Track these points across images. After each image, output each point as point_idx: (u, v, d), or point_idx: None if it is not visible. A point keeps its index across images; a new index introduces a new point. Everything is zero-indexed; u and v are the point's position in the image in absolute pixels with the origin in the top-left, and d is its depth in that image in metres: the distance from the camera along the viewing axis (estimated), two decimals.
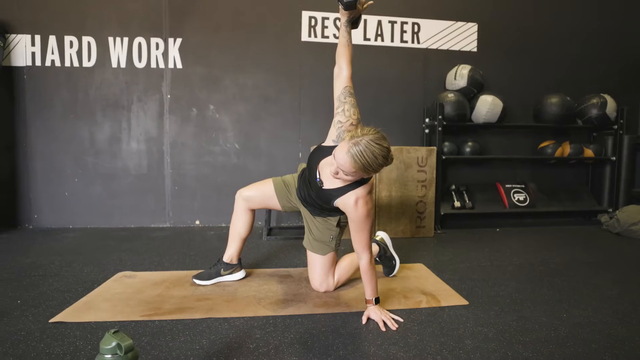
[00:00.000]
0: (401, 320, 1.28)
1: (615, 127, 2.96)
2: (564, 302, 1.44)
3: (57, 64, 2.63)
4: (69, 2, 2.60)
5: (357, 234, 1.29)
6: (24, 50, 2.59)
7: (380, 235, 1.78)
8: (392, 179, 2.49)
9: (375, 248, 1.68)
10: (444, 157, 2.76)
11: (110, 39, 2.65)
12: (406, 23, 2.94)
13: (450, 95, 2.76)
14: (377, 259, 1.70)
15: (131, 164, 2.75)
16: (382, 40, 2.92)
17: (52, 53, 2.61)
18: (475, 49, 3.03)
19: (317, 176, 1.36)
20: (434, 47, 2.98)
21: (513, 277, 1.73)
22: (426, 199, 2.55)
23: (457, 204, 2.83)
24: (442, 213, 2.77)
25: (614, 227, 2.64)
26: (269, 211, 2.56)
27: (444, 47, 2.99)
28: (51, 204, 2.69)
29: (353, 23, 1.43)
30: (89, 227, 2.71)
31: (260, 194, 1.61)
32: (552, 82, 3.10)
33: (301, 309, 1.37)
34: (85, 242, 2.30)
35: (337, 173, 1.20)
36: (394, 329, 1.22)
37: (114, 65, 2.67)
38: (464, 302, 1.44)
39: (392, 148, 2.45)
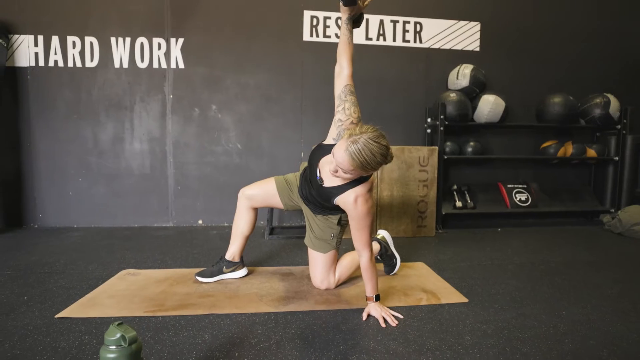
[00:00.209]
0: (401, 316, 1.29)
1: (619, 127, 2.95)
2: (563, 300, 1.45)
3: (60, 64, 2.66)
4: (72, 3, 2.64)
5: (357, 232, 1.30)
6: (27, 50, 2.63)
7: (382, 233, 1.79)
8: (393, 178, 2.50)
9: (376, 246, 1.70)
10: (445, 157, 2.76)
11: (113, 39, 2.69)
12: (408, 22, 2.95)
13: (452, 95, 2.77)
14: (379, 257, 1.71)
15: (134, 164, 2.78)
16: (384, 39, 2.93)
17: (55, 53, 2.65)
18: (477, 49, 3.03)
19: (318, 174, 1.37)
20: (436, 46, 2.99)
21: (514, 276, 1.74)
22: (427, 199, 2.55)
23: (458, 203, 2.84)
24: (443, 213, 2.77)
25: (616, 227, 2.64)
26: (271, 210, 2.58)
27: (446, 47, 3.00)
28: (56, 203, 2.72)
29: (355, 21, 1.43)
30: (93, 226, 2.74)
31: (263, 192, 1.62)
32: (555, 82, 3.10)
33: (302, 306, 1.38)
34: (89, 241, 2.33)
35: (336, 171, 1.21)
36: (394, 325, 1.23)
37: (117, 65, 2.70)
38: (464, 299, 1.45)
39: (394, 148, 2.50)
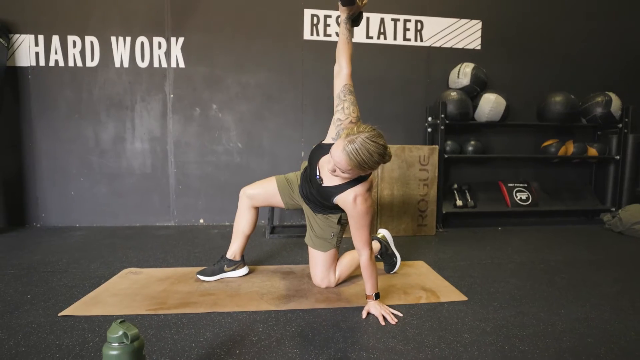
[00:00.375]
0: (401, 315, 1.30)
1: (620, 125, 2.95)
2: (562, 299, 1.46)
3: (61, 64, 2.67)
4: (72, 2, 2.64)
5: (356, 230, 1.31)
6: (27, 50, 2.64)
7: (382, 232, 1.80)
8: (394, 177, 2.51)
9: (376, 245, 1.71)
10: (446, 156, 2.77)
11: (113, 39, 2.69)
12: (409, 21, 2.95)
13: (453, 94, 2.77)
14: (379, 256, 1.72)
15: (135, 163, 2.79)
16: (385, 38, 2.93)
17: (56, 53, 2.66)
18: (479, 47, 3.03)
19: (318, 174, 1.38)
20: (437, 45, 2.99)
21: (513, 275, 1.74)
22: (428, 198, 2.56)
23: (459, 202, 2.84)
24: (444, 212, 2.78)
25: (617, 226, 2.64)
26: (272, 209, 2.59)
27: (447, 45, 3.00)
28: (58, 203, 2.74)
29: (354, 20, 1.44)
30: (95, 225, 2.76)
31: (264, 191, 1.63)
32: (556, 80, 3.09)
33: (303, 304, 1.39)
34: (91, 240, 2.35)
35: (334, 170, 1.22)
36: (393, 323, 1.24)
37: (117, 65, 2.71)
38: (463, 298, 1.46)
39: (394, 147, 2.51)
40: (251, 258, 1.97)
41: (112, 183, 2.78)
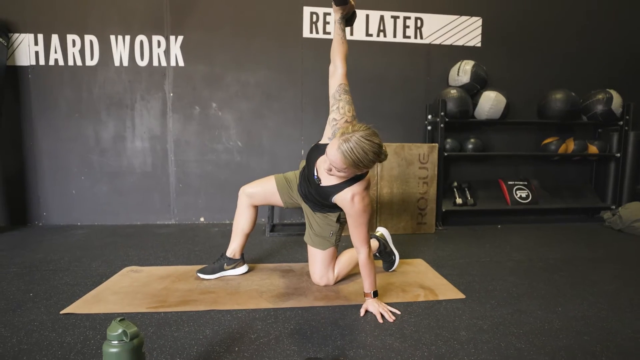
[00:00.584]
0: (398, 312, 1.31)
1: (621, 123, 2.94)
2: (560, 297, 1.46)
3: (61, 62, 2.68)
4: (71, 1, 2.64)
5: (355, 229, 1.32)
6: (27, 49, 2.65)
7: (380, 231, 1.80)
8: (393, 175, 2.51)
9: (375, 243, 1.71)
10: (445, 154, 2.77)
11: (112, 37, 2.70)
12: (409, 18, 2.94)
13: (453, 92, 2.76)
14: (377, 254, 1.73)
15: (136, 162, 2.80)
16: (385, 35, 2.93)
17: (55, 52, 2.66)
18: (479, 44, 3.02)
19: (315, 174, 1.39)
20: (437, 42, 2.98)
21: (512, 273, 1.75)
22: (427, 196, 2.56)
23: (458, 200, 2.84)
24: (443, 210, 2.78)
25: (616, 223, 2.64)
26: (272, 208, 2.60)
27: (448, 42, 2.99)
28: (59, 201, 2.76)
29: (347, 20, 1.45)
30: (96, 224, 2.78)
31: (263, 190, 1.64)
32: (557, 78, 3.08)
33: (302, 302, 1.41)
34: (92, 238, 2.37)
35: (330, 170, 1.23)
36: (391, 321, 1.25)
37: (117, 63, 2.72)
38: (461, 295, 1.47)
39: (394, 144, 2.51)
40: (251, 256, 1.98)
41: (113, 182, 2.79)
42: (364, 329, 1.20)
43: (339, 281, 1.60)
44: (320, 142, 1.43)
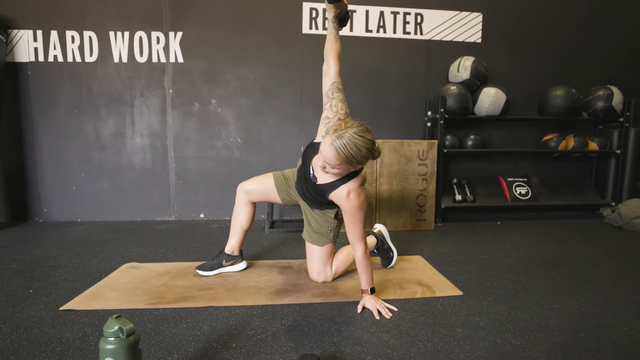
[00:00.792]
0: (396, 309, 1.32)
1: (622, 119, 2.92)
2: (557, 294, 1.47)
3: (60, 59, 2.67)
4: None
5: (351, 225, 1.32)
6: (26, 45, 2.64)
7: (378, 227, 1.81)
8: (392, 172, 2.51)
9: (372, 240, 1.72)
10: (445, 151, 2.76)
11: (112, 34, 2.69)
12: (409, 14, 2.92)
13: (453, 88, 2.75)
14: (375, 250, 1.74)
15: (136, 158, 2.81)
16: (385, 31, 2.91)
17: (55, 48, 2.66)
18: (479, 40, 3.00)
19: (311, 172, 1.39)
20: (437, 38, 2.96)
21: (510, 269, 1.75)
22: (427, 193, 2.56)
23: (458, 197, 2.84)
24: (443, 206, 2.78)
25: (616, 220, 2.63)
26: (271, 204, 2.61)
27: (448, 38, 2.97)
28: (59, 198, 2.77)
29: (340, 20, 1.45)
30: (97, 220, 2.79)
31: (261, 187, 1.65)
32: (557, 74, 3.07)
33: (299, 299, 1.41)
34: (93, 235, 2.38)
35: (324, 167, 1.23)
36: (388, 317, 1.26)
37: (116, 60, 2.71)
38: (459, 292, 1.47)
39: (393, 141, 2.51)
40: (250, 253, 1.99)
41: (113, 178, 2.80)
42: (361, 326, 1.21)
43: (336, 278, 1.61)
44: (314, 141, 1.43)
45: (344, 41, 2.78)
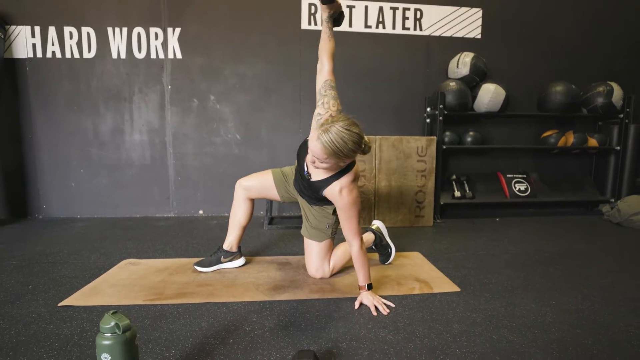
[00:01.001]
0: (393, 305, 1.32)
1: (621, 116, 2.91)
2: (555, 290, 1.47)
3: (58, 55, 2.66)
4: None
5: (345, 221, 1.33)
6: (24, 41, 2.62)
7: (376, 224, 1.81)
8: (391, 168, 2.51)
9: (370, 236, 1.72)
10: (444, 147, 2.75)
11: (110, 30, 2.67)
12: (408, 9, 2.90)
13: (452, 84, 2.74)
14: (373, 247, 1.74)
15: (135, 155, 2.80)
16: (384, 27, 2.89)
17: (53, 44, 2.64)
18: (479, 36, 2.98)
19: (306, 169, 1.40)
20: (436, 34, 2.94)
21: (508, 266, 1.76)
22: (426, 189, 2.56)
23: (457, 193, 2.84)
24: (441, 203, 2.78)
25: (615, 217, 2.63)
26: (270, 201, 2.61)
27: (447, 34, 2.95)
28: (59, 194, 2.77)
29: (335, 20, 1.45)
30: (96, 216, 2.80)
31: (260, 184, 1.65)
32: (557, 70, 3.05)
33: (297, 295, 1.42)
34: (92, 231, 2.38)
35: (313, 162, 1.23)
36: (385, 313, 1.26)
37: (114, 56, 2.70)
38: (456, 288, 1.47)
39: (392, 137, 2.50)
40: (248, 249, 1.99)
41: (112, 175, 2.80)
42: (358, 322, 1.21)
43: (334, 274, 1.61)
44: (308, 138, 1.43)
45: (343, 37, 2.78)
